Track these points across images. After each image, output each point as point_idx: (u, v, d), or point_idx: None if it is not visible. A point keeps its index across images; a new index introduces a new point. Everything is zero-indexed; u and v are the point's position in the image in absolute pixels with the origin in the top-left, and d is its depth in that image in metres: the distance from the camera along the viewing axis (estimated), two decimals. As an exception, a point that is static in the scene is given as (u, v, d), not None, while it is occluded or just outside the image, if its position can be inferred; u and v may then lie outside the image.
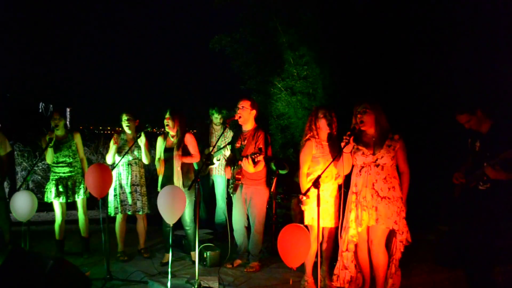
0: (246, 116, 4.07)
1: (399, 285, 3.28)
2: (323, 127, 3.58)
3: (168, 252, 4.19)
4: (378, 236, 3.21)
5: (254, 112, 4.11)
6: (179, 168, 4.12)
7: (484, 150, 3.20)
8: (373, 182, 3.22)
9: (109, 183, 3.85)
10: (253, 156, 3.80)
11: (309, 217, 3.58)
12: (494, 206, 3.15)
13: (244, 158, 3.87)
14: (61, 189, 4.39)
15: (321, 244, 3.65)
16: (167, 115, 4.15)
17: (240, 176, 4.06)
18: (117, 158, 4.32)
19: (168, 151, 4.20)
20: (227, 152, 5.15)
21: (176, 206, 3.49)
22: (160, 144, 4.29)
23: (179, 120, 4.17)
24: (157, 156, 4.28)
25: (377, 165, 3.22)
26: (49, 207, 4.59)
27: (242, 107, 4.04)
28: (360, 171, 3.31)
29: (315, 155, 3.58)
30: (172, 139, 4.24)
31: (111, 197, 4.36)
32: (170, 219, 3.50)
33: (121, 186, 4.38)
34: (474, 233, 3.32)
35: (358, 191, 3.30)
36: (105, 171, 3.79)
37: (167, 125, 4.15)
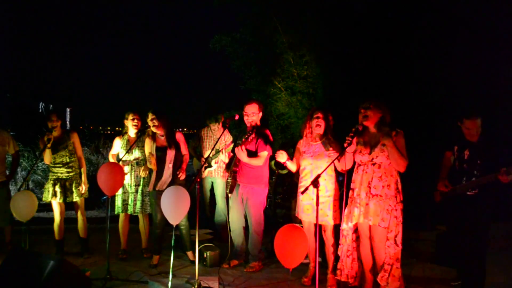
0: (256, 120, 4.12)
1: (397, 285, 3.23)
2: (313, 128, 3.65)
3: (157, 254, 4.26)
4: (378, 234, 3.22)
5: (261, 114, 4.16)
6: (170, 165, 4.14)
7: (474, 158, 3.38)
8: (369, 180, 3.25)
9: (121, 182, 3.91)
10: (246, 136, 3.86)
11: (299, 211, 3.73)
12: (481, 209, 3.34)
13: (237, 147, 3.93)
14: (58, 189, 4.37)
15: (322, 243, 3.66)
16: (152, 116, 4.13)
17: (236, 169, 4.08)
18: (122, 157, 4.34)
19: (160, 150, 4.19)
20: (223, 156, 5.17)
21: (180, 206, 3.49)
22: (149, 144, 4.24)
23: (165, 119, 4.18)
24: (147, 153, 4.24)
25: (374, 164, 3.25)
26: (49, 207, 4.58)
27: (252, 113, 4.06)
28: (357, 168, 3.36)
29: (302, 151, 3.76)
30: (162, 138, 4.23)
31: (118, 197, 4.42)
32: (173, 220, 3.50)
33: (123, 186, 4.38)
34: (464, 237, 3.44)
35: (355, 188, 3.35)
36: (118, 170, 3.86)
37: (155, 125, 4.13)
